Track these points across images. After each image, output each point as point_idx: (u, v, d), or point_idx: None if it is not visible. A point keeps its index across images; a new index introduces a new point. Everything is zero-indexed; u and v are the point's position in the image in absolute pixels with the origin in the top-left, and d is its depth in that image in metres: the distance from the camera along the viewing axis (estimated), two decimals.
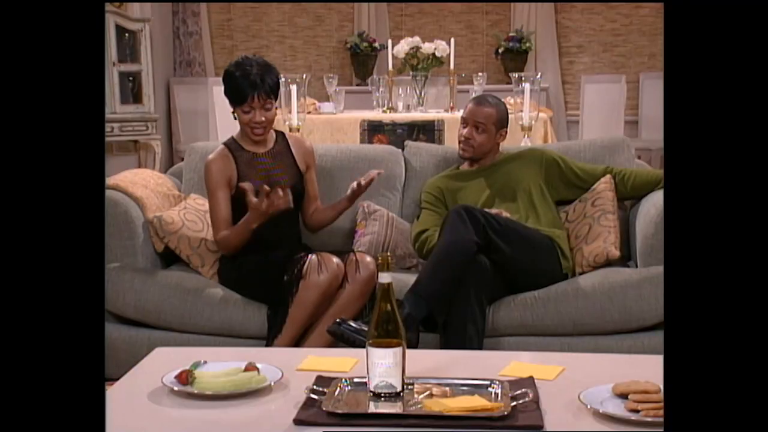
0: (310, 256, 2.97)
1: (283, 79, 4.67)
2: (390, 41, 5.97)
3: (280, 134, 3.29)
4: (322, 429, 1.84)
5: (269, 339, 3.00)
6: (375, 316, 1.98)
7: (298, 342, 2.97)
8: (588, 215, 3.29)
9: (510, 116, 3.55)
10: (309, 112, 5.32)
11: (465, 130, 3.42)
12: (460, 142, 3.45)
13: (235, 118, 3.17)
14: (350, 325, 2.70)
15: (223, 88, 3.14)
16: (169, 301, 3.13)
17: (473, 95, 5.56)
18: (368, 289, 2.99)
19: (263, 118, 3.10)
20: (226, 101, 3.16)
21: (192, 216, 3.34)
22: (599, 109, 6.82)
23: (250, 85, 3.04)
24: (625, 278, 3.02)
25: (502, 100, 3.62)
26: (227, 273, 3.17)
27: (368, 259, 3.02)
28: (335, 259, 2.95)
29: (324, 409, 1.89)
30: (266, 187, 2.94)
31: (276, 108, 3.15)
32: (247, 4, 7.93)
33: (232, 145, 3.20)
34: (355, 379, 2.06)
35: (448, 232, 2.95)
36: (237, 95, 3.08)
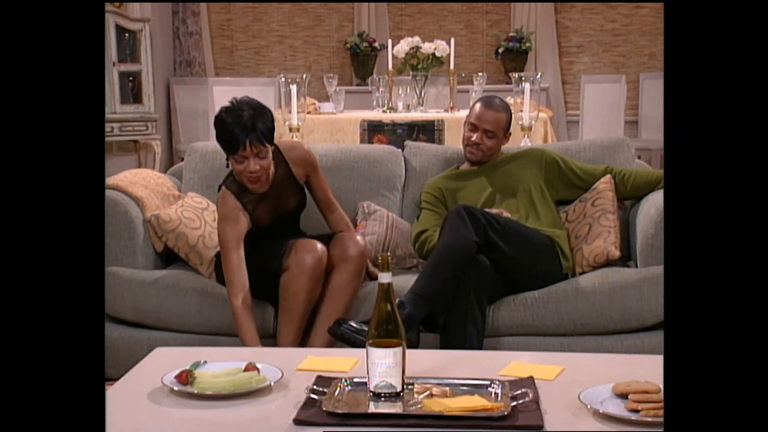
0: (289, 242, 2.97)
1: (283, 80, 4.69)
2: (390, 41, 5.96)
3: (274, 149, 3.03)
4: (322, 429, 1.84)
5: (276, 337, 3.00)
6: (375, 316, 1.98)
7: (304, 334, 2.97)
8: (588, 215, 3.28)
9: None
10: (309, 112, 5.32)
11: (475, 136, 3.41)
12: (467, 145, 3.44)
13: (227, 166, 3.00)
14: (350, 325, 2.70)
15: (216, 126, 2.94)
16: (167, 302, 3.13)
17: (473, 95, 5.59)
18: (361, 267, 3.00)
19: (258, 167, 2.89)
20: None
21: (189, 213, 3.35)
22: (599, 109, 6.82)
23: (242, 131, 2.84)
24: (625, 278, 3.02)
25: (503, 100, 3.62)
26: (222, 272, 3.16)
27: (357, 237, 3.06)
28: (318, 244, 2.96)
29: (324, 409, 1.89)
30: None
31: (270, 153, 2.93)
32: (247, 4, 7.93)
33: (233, 186, 3.00)
34: (355, 379, 2.06)
35: (448, 232, 2.95)
36: (229, 143, 2.88)
